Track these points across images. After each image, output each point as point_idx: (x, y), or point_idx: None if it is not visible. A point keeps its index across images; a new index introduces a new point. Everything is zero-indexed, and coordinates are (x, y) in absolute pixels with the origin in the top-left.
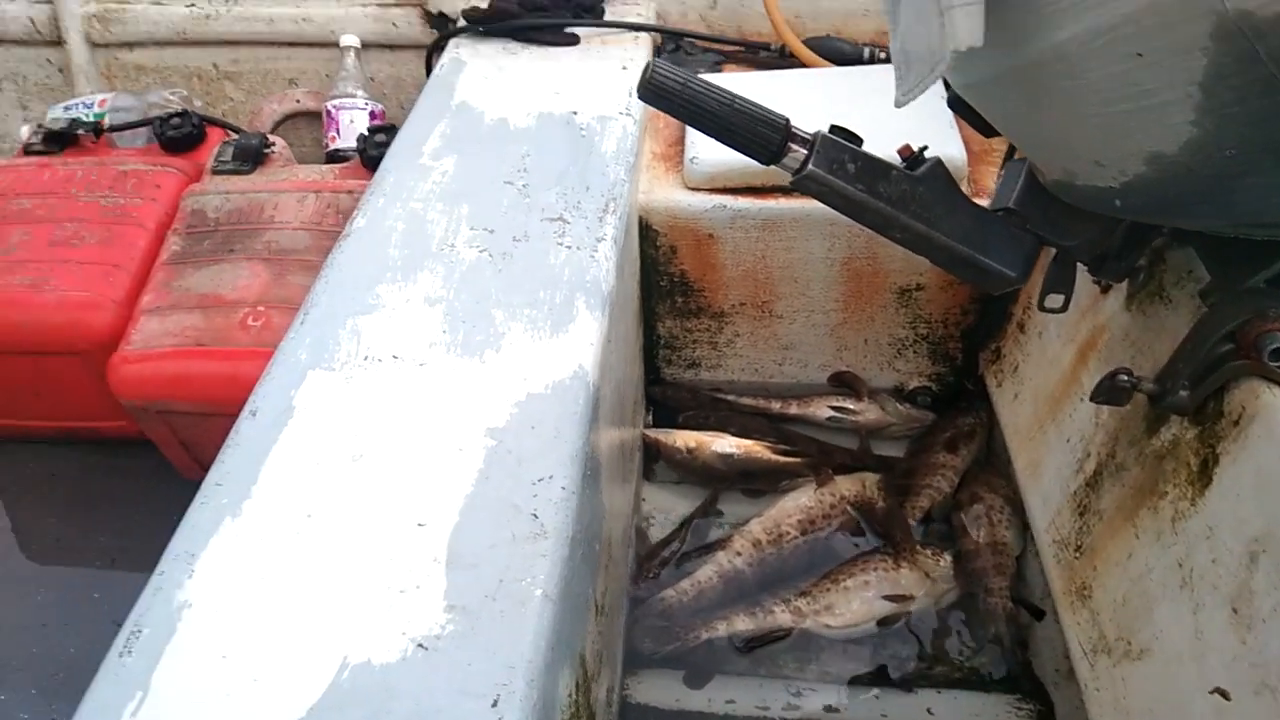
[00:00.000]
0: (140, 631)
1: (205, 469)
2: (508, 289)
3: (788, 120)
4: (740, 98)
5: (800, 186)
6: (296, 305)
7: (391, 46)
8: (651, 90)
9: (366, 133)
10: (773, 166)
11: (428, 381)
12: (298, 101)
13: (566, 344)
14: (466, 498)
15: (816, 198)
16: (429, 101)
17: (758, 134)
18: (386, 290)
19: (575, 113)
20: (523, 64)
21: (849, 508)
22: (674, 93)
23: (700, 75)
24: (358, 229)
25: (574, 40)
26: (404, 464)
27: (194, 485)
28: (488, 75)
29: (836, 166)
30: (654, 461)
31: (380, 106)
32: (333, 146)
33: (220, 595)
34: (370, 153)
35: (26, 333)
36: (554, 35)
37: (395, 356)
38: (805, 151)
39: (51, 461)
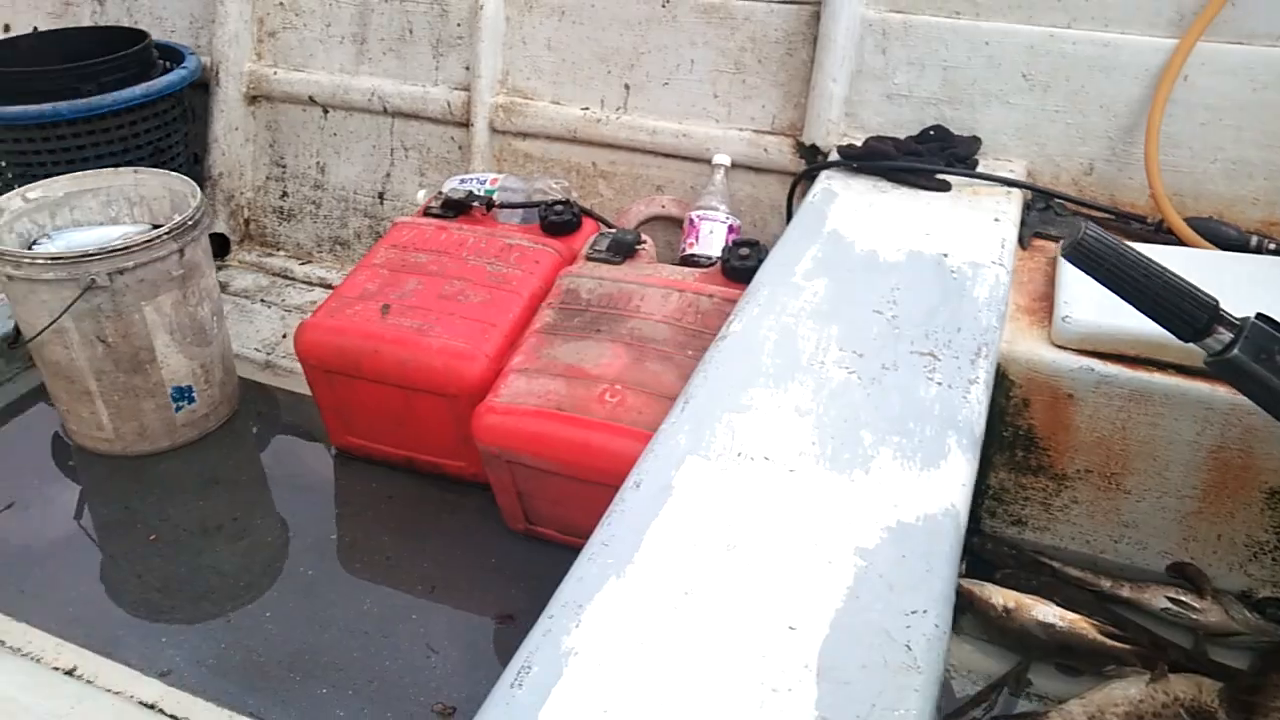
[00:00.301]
0: (530, 668)
1: (530, 521)
2: (876, 413)
3: (1217, 302)
4: (1170, 272)
5: (1218, 369)
6: (651, 390)
7: (758, 169)
8: (1081, 252)
9: (730, 244)
10: (1190, 344)
11: (797, 488)
12: (663, 207)
13: (938, 480)
14: (837, 612)
15: (1231, 383)
16: (802, 225)
17: (1184, 310)
18: (759, 394)
19: (945, 255)
20: (893, 202)
21: (1181, 711)
22: (1103, 258)
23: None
24: (734, 333)
25: (945, 187)
26: (774, 563)
27: (514, 535)
28: (858, 209)
29: (1264, 356)
30: (961, 613)
31: (738, 221)
32: (689, 251)
33: (603, 649)
34: (733, 263)
35: (407, 369)
36: (926, 180)
37: (767, 458)
38: (1231, 336)
39: (393, 485)
